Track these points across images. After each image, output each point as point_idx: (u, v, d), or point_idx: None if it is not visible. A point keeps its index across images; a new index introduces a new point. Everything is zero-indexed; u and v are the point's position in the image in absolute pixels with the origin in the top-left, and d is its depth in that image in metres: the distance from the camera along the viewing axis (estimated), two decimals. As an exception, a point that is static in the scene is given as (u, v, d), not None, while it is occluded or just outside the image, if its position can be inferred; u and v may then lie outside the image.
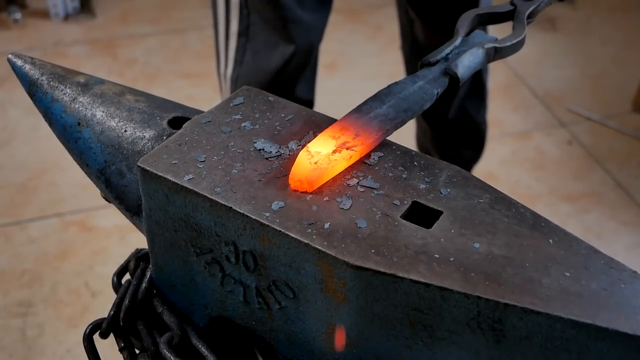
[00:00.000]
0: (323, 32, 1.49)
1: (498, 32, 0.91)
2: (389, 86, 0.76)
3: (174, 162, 0.68)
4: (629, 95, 2.59)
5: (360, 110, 0.73)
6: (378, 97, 0.75)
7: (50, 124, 0.84)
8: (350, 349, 0.65)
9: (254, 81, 1.42)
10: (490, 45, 0.80)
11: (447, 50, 0.80)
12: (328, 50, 2.12)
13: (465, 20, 0.84)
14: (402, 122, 0.73)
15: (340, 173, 0.68)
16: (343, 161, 0.68)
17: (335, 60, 2.58)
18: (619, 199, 2.19)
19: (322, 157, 0.67)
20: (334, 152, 0.68)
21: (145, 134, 0.79)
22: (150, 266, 0.77)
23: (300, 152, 0.68)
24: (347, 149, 0.68)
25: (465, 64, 0.77)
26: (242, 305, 0.70)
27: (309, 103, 1.55)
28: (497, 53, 0.81)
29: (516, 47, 0.83)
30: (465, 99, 1.63)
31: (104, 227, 2.01)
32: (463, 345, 0.60)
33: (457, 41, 0.81)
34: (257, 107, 0.77)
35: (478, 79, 1.61)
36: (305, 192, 0.66)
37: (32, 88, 0.85)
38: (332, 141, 0.69)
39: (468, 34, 0.83)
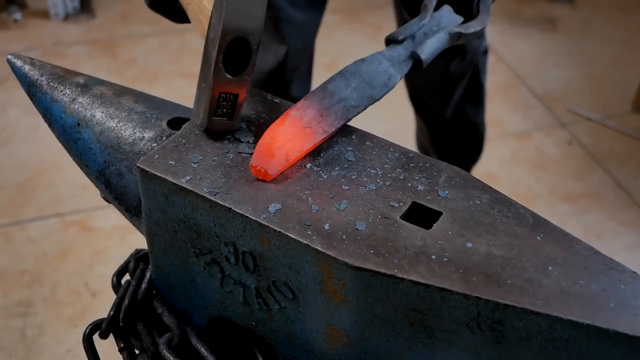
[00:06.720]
0: (316, 31, 1.49)
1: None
2: (355, 63, 0.76)
3: (173, 163, 0.68)
4: (629, 95, 2.58)
5: (325, 89, 0.74)
6: (344, 76, 0.75)
7: (50, 125, 0.84)
8: (351, 349, 0.65)
9: None
10: (456, 30, 0.80)
11: (415, 28, 0.80)
12: (328, 50, 2.12)
13: None
14: (364, 108, 0.75)
15: (339, 173, 0.68)
16: (303, 148, 0.69)
17: (335, 60, 2.57)
18: (619, 199, 2.19)
19: (282, 144, 0.68)
20: (295, 138, 0.68)
21: (144, 135, 0.79)
22: (150, 267, 0.77)
23: (261, 139, 0.68)
24: (308, 135, 0.69)
25: (429, 50, 0.78)
26: (242, 306, 0.70)
27: None
28: (460, 37, 0.81)
29: (479, 33, 0.83)
30: (463, 101, 1.62)
31: (104, 227, 2.01)
32: (463, 345, 0.60)
33: (426, 19, 0.81)
34: (254, 108, 0.77)
35: (475, 81, 1.60)
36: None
37: (31, 89, 0.85)
38: (294, 126, 0.69)
39: (436, 9, 0.83)
